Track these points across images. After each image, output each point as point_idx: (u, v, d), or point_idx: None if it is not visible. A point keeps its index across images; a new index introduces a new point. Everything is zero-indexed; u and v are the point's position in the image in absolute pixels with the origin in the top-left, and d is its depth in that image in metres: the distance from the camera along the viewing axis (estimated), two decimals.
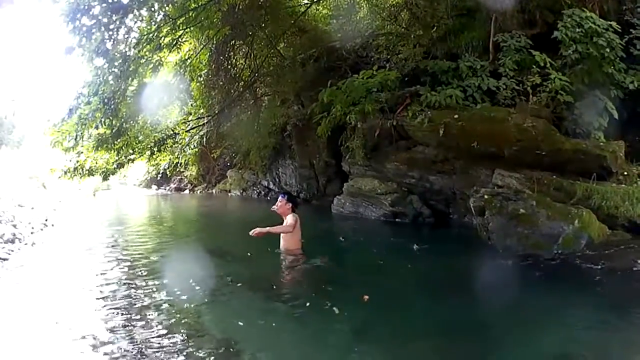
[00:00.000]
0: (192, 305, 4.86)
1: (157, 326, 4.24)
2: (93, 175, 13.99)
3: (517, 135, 8.51)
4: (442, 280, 5.89)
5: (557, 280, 5.85)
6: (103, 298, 5.07)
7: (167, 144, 15.22)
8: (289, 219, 6.82)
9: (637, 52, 8.88)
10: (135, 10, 9.50)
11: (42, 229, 9.82)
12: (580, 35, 8.67)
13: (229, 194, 20.71)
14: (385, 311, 4.78)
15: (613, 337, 4.09)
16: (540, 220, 6.85)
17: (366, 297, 4.88)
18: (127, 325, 4.24)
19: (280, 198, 7.21)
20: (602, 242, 6.82)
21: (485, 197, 7.65)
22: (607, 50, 8.56)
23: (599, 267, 6.04)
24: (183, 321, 4.40)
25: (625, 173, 8.35)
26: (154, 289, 5.40)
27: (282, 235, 6.93)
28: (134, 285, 5.58)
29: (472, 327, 4.37)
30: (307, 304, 4.88)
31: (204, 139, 16.88)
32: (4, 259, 6.84)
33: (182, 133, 15.96)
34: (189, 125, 16.08)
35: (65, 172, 13.16)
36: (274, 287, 5.61)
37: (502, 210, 7.24)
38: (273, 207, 7.19)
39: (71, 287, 5.61)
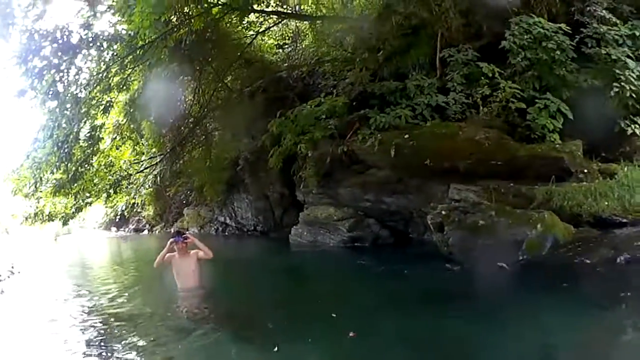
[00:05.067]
0: (161, 346, 4.76)
1: None
2: (53, 220, 14.26)
3: (470, 148, 8.55)
4: (407, 299, 5.82)
5: (526, 284, 5.90)
6: (74, 345, 4.96)
7: (122, 185, 15.37)
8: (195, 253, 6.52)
9: (589, 50, 8.97)
10: (85, 50, 9.54)
11: (9, 277, 9.68)
12: (528, 42, 8.83)
13: (187, 232, 20.27)
14: (358, 337, 4.47)
15: (590, 330, 4.17)
16: (501, 229, 6.86)
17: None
18: None
19: (179, 240, 6.48)
20: (568, 241, 6.83)
21: (443, 212, 7.68)
22: (558, 52, 8.72)
23: (566, 265, 6.14)
24: None
25: (586, 171, 8.31)
26: (123, 334, 5.30)
27: (188, 273, 6.53)
28: (103, 332, 5.49)
29: (447, 341, 4.33)
30: (276, 344, 4.47)
31: (158, 178, 16.68)
32: None
33: (136, 174, 15.79)
34: (142, 165, 15.89)
35: (27, 218, 13.44)
36: (239, 324, 5.42)
37: (461, 224, 7.27)
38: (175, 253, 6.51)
39: (44, 336, 5.51)
